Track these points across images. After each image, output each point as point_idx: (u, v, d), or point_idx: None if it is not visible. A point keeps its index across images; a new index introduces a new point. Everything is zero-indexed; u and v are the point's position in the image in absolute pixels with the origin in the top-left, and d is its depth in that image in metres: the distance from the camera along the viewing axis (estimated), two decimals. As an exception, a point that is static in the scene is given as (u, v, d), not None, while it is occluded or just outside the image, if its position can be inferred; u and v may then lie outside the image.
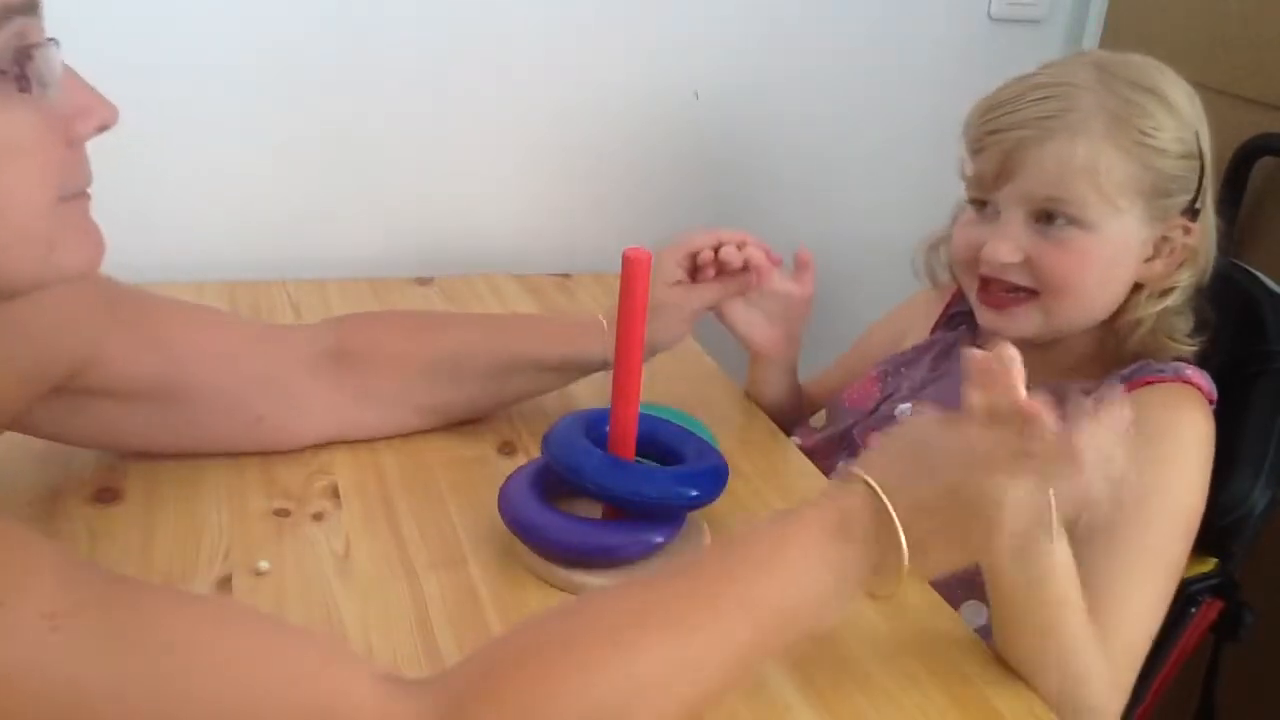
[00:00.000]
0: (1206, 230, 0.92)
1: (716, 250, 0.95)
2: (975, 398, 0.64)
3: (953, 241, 0.96)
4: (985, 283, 0.92)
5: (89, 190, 0.61)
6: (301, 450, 0.91)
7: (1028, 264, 0.89)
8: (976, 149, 0.92)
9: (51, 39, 0.55)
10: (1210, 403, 0.88)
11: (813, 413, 1.14)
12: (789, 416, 1.10)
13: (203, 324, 0.86)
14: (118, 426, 0.84)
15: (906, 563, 0.60)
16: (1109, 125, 0.86)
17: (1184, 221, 0.90)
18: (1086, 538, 0.81)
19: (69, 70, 0.57)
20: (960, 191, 1.03)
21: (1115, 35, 1.47)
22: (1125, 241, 0.89)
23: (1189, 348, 0.90)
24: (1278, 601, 1.05)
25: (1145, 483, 0.82)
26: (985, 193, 0.91)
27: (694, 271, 0.96)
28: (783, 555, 0.60)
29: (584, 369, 0.95)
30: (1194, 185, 0.89)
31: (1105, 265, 0.89)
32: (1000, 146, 0.89)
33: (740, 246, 0.95)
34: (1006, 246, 0.89)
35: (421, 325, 0.96)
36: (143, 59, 1.17)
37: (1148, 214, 0.88)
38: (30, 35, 0.54)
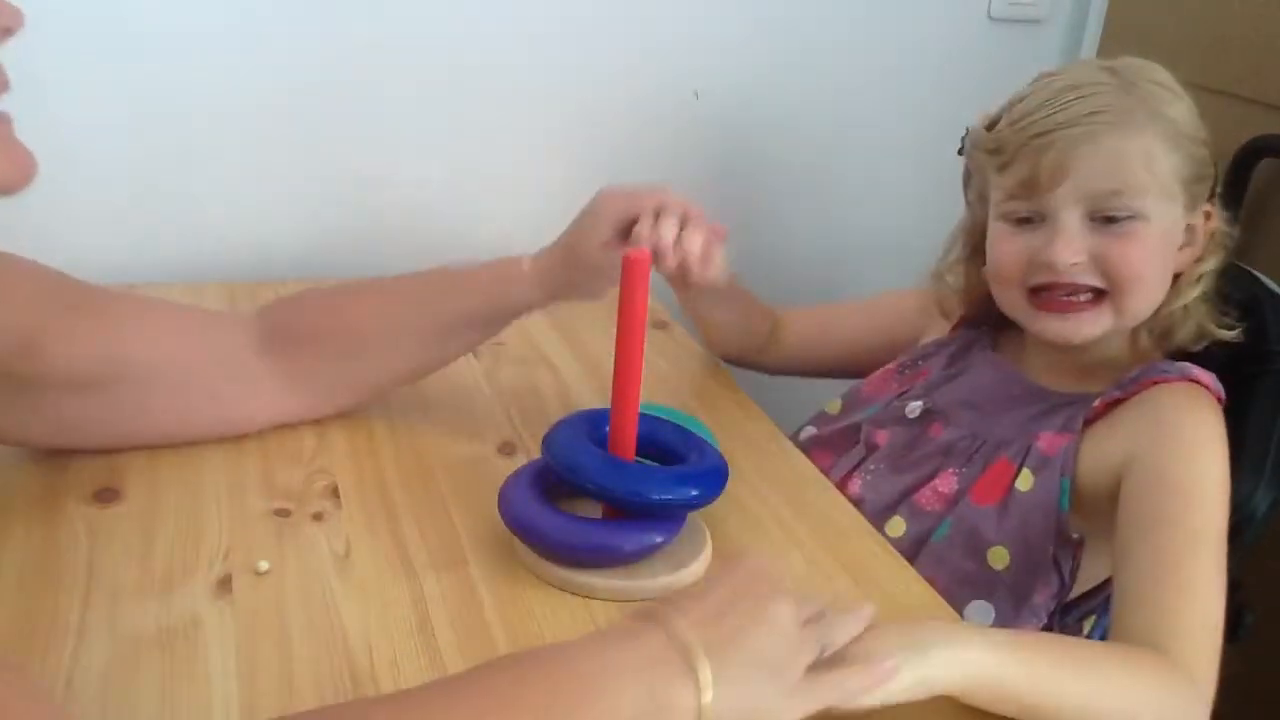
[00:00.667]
0: (1221, 214, 0.93)
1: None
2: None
3: (993, 259, 0.94)
4: (1036, 292, 0.91)
5: (6, 110, 0.58)
6: (301, 450, 0.91)
7: (1093, 263, 0.88)
8: (1012, 158, 0.90)
9: None
10: (1219, 401, 0.89)
11: (776, 340, 1.15)
12: (744, 331, 1.13)
13: (149, 310, 0.87)
14: (73, 419, 0.84)
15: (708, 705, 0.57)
16: (1149, 117, 0.87)
17: (1207, 207, 0.91)
18: (1133, 535, 0.81)
19: None
20: (956, 202, 1.03)
21: (1115, 35, 1.47)
22: (1173, 230, 0.90)
23: (1234, 329, 0.92)
24: (1278, 601, 1.05)
25: (1176, 472, 0.82)
26: (1035, 198, 0.89)
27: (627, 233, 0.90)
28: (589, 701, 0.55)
29: (513, 315, 0.93)
30: (1212, 170, 0.91)
31: (1164, 254, 0.90)
32: (1054, 147, 0.87)
33: (683, 223, 0.88)
34: (1072, 248, 0.88)
35: (351, 300, 0.94)
36: (141, 61, 1.17)
37: (1187, 202, 0.90)
38: None
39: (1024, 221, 0.91)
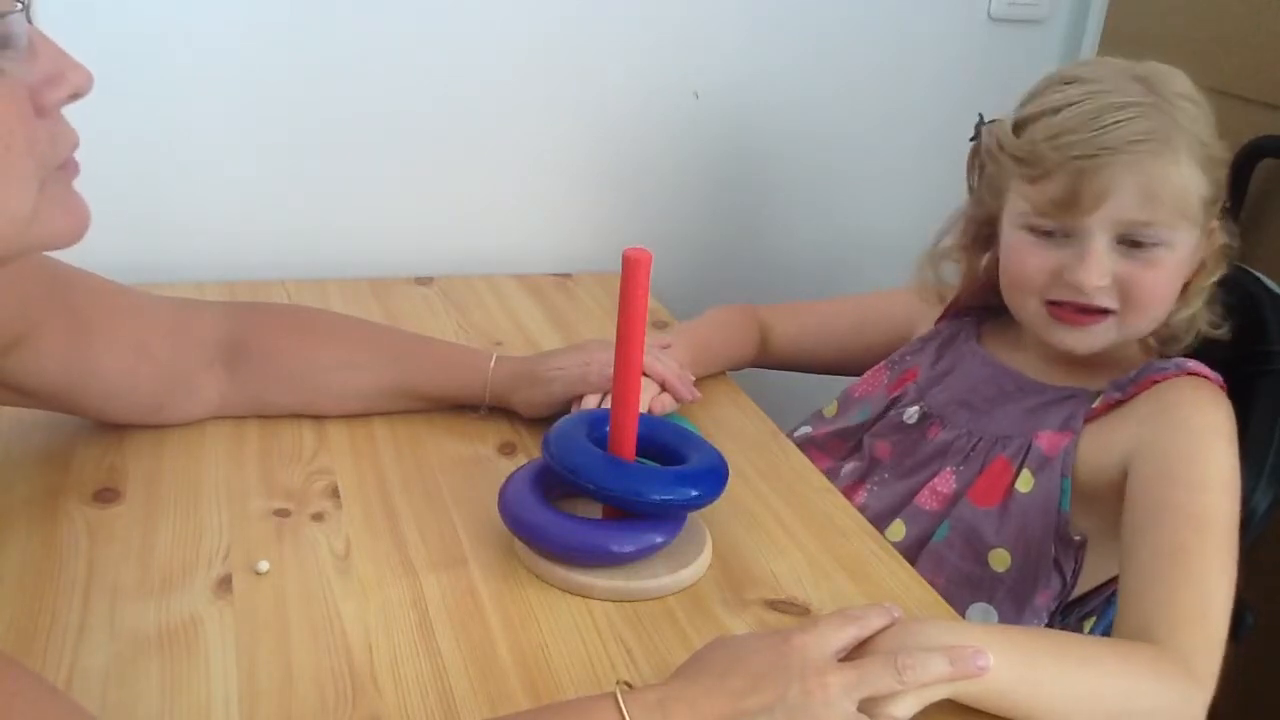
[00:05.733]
0: (1226, 226, 0.94)
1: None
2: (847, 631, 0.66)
3: (1015, 269, 0.93)
4: (1053, 302, 0.91)
5: (75, 157, 0.58)
6: (301, 450, 0.92)
7: (1114, 284, 0.89)
8: (1047, 173, 0.88)
9: (20, 5, 0.52)
10: (1221, 388, 0.89)
11: (766, 343, 1.15)
12: (739, 359, 1.14)
13: (124, 311, 0.87)
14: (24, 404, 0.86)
15: None
16: (1188, 144, 0.86)
17: (1214, 223, 0.91)
18: (1138, 528, 0.81)
19: (38, 35, 0.54)
20: (956, 202, 1.02)
21: (1115, 35, 1.47)
22: (1191, 250, 0.90)
23: (1220, 328, 0.93)
24: (1278, 601, 1.05)
25: (1181, 464, 0.83)
26: (1071, 217, 0.88)
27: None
28: None
29: (460, 403, 0.98)
30: (1225, 185, 0.91)
31: (1179, 278, 0.90)
32: (1098, 173, 0.86)
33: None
34: (1100, 270, 0.87)
35: (313, 340, 0.96)
36: (143, 60, 1.17)
37: (1203, 221, 0.90)
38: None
39: (1047, 234, 0.90)
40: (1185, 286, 0.92)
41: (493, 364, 0.96)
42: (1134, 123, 0.86)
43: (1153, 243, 0.87)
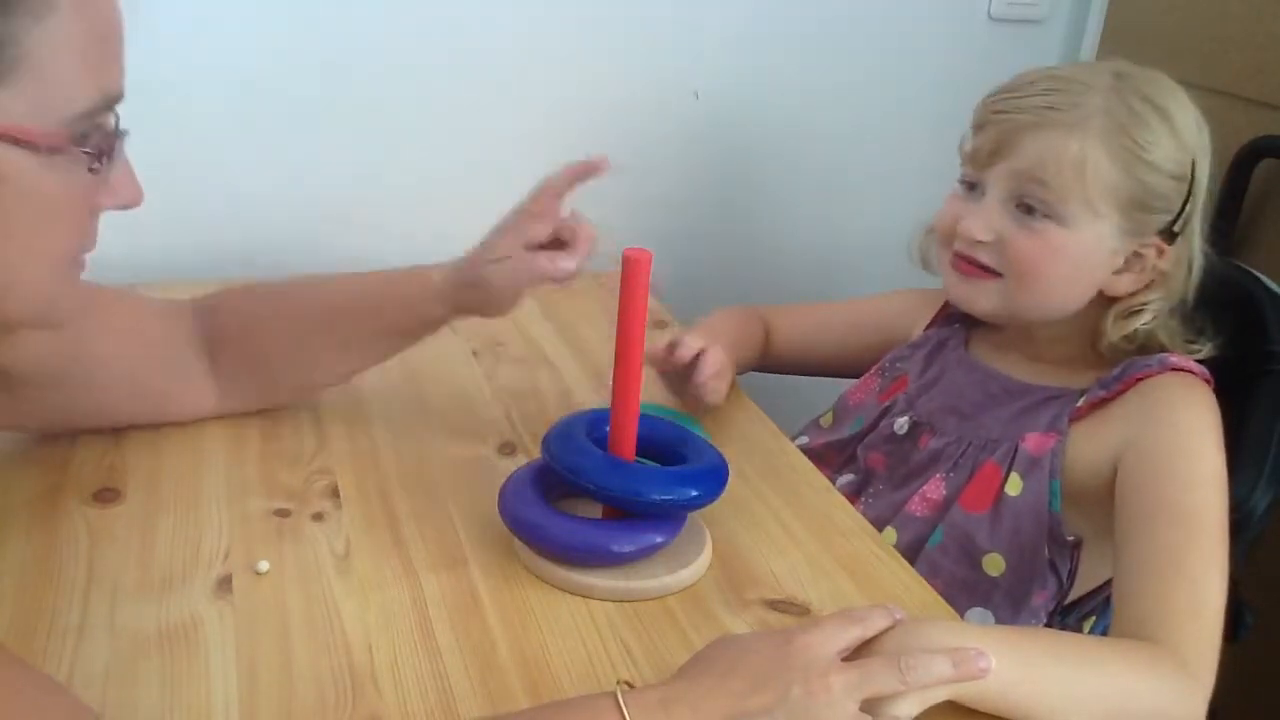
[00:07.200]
0: (1184, 258, 0.92)
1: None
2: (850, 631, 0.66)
3: (937, 214, 0.98)
4: (958, 256, 0.95)
5: (86, 258, 0.65)
6: (301, 450, 0.92)
7: (998, 245, 0.91)
8: (978, 126, 0.94)
9: (124, 130, 0.61)
10: (1206, 382, 0.89)
11: (767, 344, 1.15)
12: (750, 361, 1.14)
13: (107, 306, 0.87)
14: (29, 409, 0.85)
15: None
16: (1107, 129, 0.87)
17: (1159, 242, 0.90)
18: (1130, 526, 0.81)
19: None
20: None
21: (1115, 35, 1.47)
22: (1096, 246, 0.89)
23: (1205, 351, 0.91)
24: (1278, 601, 1.05)
25: (1171, 461, 0.83)
26: (976, 169, 0.93)
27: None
28: None
29: (425, 329, 0.93)
30: (1177, 207, 0.89)
31: (1070, 263, 0.90)
32: (1000, 126, 0.91)
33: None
34: (980, 224, 0.91)
35: (262, 311, 0.94)
36: (141, 58, 1.16)
37: (1124, 225, 0.89)
38: (117, 124, 0.60)
39: (971, 190, 0.94)
40: (1114, 301, 0.91)
41: (436, 277, 0.92)
42: (1057, 95, 0.89)
43: (1044, 212, 0.89)
